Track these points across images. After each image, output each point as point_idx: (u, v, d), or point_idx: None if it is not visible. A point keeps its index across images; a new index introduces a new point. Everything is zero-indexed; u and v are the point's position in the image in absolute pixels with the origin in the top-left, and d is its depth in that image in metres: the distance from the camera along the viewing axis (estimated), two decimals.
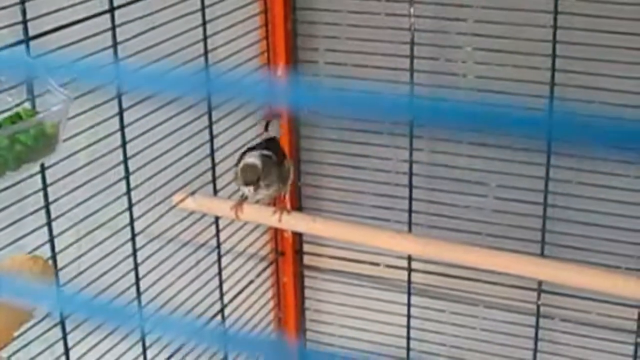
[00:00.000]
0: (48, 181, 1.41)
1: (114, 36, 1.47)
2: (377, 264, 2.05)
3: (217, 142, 1.78)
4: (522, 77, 1.78)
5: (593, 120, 0.35)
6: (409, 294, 2.02)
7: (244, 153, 1.66)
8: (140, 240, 1.61)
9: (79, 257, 1.52)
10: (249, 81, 0.42)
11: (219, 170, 1.79)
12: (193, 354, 1.82)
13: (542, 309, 1.94)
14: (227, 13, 1.78)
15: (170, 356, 1.77)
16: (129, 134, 1.54)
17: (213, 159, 1.77)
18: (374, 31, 1.87)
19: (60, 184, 1.44)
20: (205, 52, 1.69)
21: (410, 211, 1.94)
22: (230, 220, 1.81)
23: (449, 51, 1.85)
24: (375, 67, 1.87)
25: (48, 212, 1.42)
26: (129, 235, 1.59)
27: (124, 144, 1.53)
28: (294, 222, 1.75)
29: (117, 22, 1.47)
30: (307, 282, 2.15)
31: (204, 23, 1.68)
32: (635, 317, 1.86)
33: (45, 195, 1.41)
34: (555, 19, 1.71)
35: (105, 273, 1.56)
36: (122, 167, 1.54)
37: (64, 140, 1.33)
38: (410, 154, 1.90)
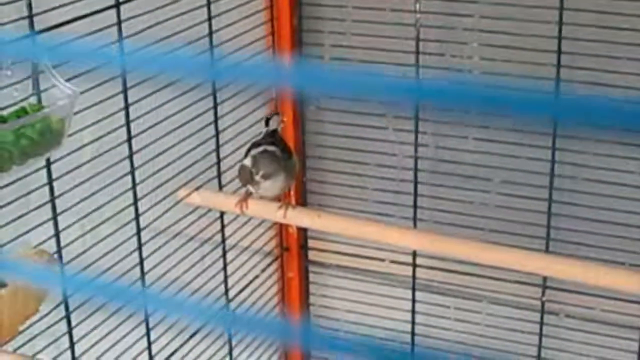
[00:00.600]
0: (54, 175, 1.41)
1: (119, 30, 1.47)
2: (381, 260, 2.05)
3: (223, 138, 1.78)
4: (528, 73, 1.78)
5: (599, 101, 0.35)
6: (414, 290, 2.02)
7: (249, 148, 1.66)
8: (145, 235, 1.61)
9: (84, 251, 1.52)
10: (255, 64, 0.42)
11: (224, 165, 1.79)
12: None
13: (546, 305, 1.94)
14: (232, 11, 1.78)
15: (174, 351, 1.77)
16: (135, 129, 1.54)
17: (218, 154, 1.77)
18: (379, 27, 1.87)
19: (65, 178, 1.44)
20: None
21: (415, 207, 1.93)
22: (235, 216, 1.81)
23: (454, 47, 1.85)
24: (381, 62, 1.87)
25: (54, 207, 1.42)
26: (135, 230, 1.59)
27: (129, 138, 1.53)
28: (298, 217, 1.75)
29: (122, 17, 1.47)
30: (312, 277, 2.15)
31: (210, 18, 1.67)
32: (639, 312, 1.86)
33: (51, 190, 1.41)
34: (560, 15, 1.70)
35: (110, 267, 1.55)
36: (127, 161, 1.54)
37: (70, 135, 1.34)
38: (415, 150, 1.90)
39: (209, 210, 1.77)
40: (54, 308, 1.47)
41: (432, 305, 2.04)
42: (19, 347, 1.38)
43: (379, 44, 1.87)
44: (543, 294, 1.93)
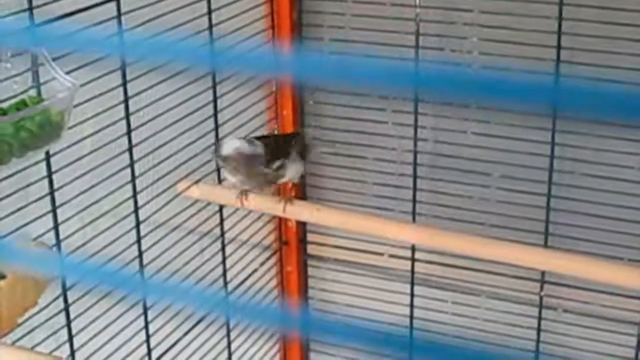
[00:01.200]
0: (53, 168, 1.41)
1: (119, 22, 1.47)
2: (380, 254, 2.05)
3: (222, 131, 1.78)
4: (527, 68, 1.78)
5: (600, 89, 0.35)
6: (412, 284, 2.02)
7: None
8: (144, 228, 1.61)
9: (84, 244, 1.52)
10: (254, 52, 0.42)
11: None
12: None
13: (545, 300, 1.94)
14: (232, 4, 1.78)
15: (174, 344, 1.78)
16: (134, 122, 1.54)
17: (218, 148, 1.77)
18: (379, 21, 1.87)
19: (65, 171, 1.44)
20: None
21: (414, 201, 1.93)
22: (234, 209, 1.82)
23: (454, 42, 1.85)
24: (380, 56, 1.87)
25: (53, 199, 1.42)
26: (134, 223, 1.59)
27: (129, 131, 1.53)
28: (298, 211, 1.75)
29: (122, 10, 1.47)
30: (311, 271, 2.15)
31: (210, 12, 1.67)
32: (639, 308, 1.86)
33: (50, 182, 1.41)
34: (560, 10, 1.71)
35: (109, 260, 1.56)
36: (127, 154, 1.54)
37: (70, 128, 1.34)
38: (415, 144, 1.90)
39: (208, 203, 1.77)
40: (53, 300, 1.47)
41: (430, 300, 2.04)
42: (17, 340, 1.38)
43: (379, 38, 1.87)
44: (541, 288, 1.93)
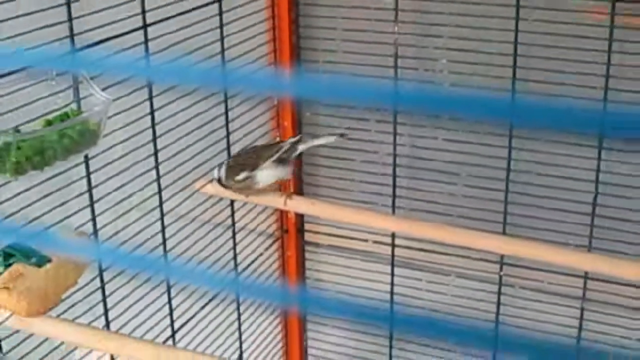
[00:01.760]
0: (91, 169, 1.41)
1: (146, 47, 1.47)
2: (366, 240, 2.05)
3: (232, 138, 1.78)
4: (488, 84, 1.78)
5: (550, 103, 0.35)
6: (393, 266, 2.02)
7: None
8: (167, 220, 1.61)
9: (116, 233, 1.52)
10: (260, 74, 0.42)
11: None
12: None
13: (504, 278, 1.94)
14: (240, 32, 1.78)
15: (192, 317, 1.78)
16: (159, 130, 1.54)
17: (229, 152, 1.77)
18: (365, 45, 1.87)
19: (100, 172, 1.44)
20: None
21: (394, 196, 1.94)
22: (243, 203, 1.82)
23: (427, 63, 1.85)
24: (365, 75, 1.87)
25: (90, 196, 1.43)
26: (158, 215, 1.59)
27: (154, 138, 1.53)
28: (296, 204, 1.75)
29: (149, 36, 1.47)
30: (308, 255, 2.15)
31: (222, 38, 1.67)
32: (581, 286, 1.87)
33: (89, 181, 1.42)
34: (515, 37, 1.71)
35: (138, 246, 1.56)
36: (152, 158, 1.54)
37: (104, 135, 1.34)
38: (394, 149, 1.90)
39: (221, 198, 1.77)
40: (91, 280, 1.47)
41: (408, 279, 2.04)
42: (61, 314, 1.38)
43: (364, 60, 1.87)
44: (501, 269, 1.93)
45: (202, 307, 1.80)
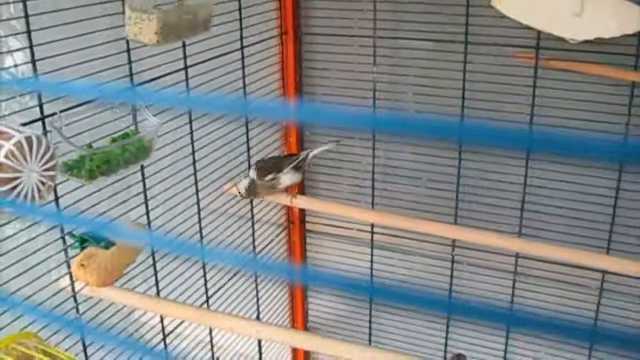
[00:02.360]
0: (145, 175, 1.41)
1: (187, 84, 1.47)
2: (351, 229, 2.05)
3: (252, 152, 1.78)
4: (444, 110, 1.79)
5: (490, 125, 0.36)
6: (372, 248, 2.02)
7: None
8: (203, 214, 1.61)
9: (164, 224, 1.52)
10: (271, 105, 0.42)
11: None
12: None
13: (455, 257, 1.94)
14: (257, 72, 1.78)
15: (221, 287, 1.77)
16: (196, 146, 1.54)
17: (249, 163, 1.77)
18: (351, 82, 1.87)
19: (152, 177, 1.44)
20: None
21: (372, 196, 1.94)
22: (259, 201, 1.81)
23: (397, 95, 1.86)
24: (351, 104, 1.88)
25: (145, 195, 1.43)
26: (196, 210, 1.59)
27: (193, 152, 1.53)
28: (300, 202, 1.75)
29: (189, 75, 1.47)
30: (308, 241, 2.15)
31: (244, 77, 1.68)
32: (513, 262, 1.87)
33: (144, 185, 1.41)
34: (464, 76, 1.71)
35: (181, 234, 1.56)
36: (191, 167, 1.54)
37: (155, 150, 1.34)
38: (373, 159, 1.91)
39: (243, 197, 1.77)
40: (145, 259, 1.47)
41: (383, 258, 2.05)
42: (123, 284, 1.38)
43: (351, 93, 1.88)
44: (453, 250, 1.94)
45: (229, 280, 1.80)
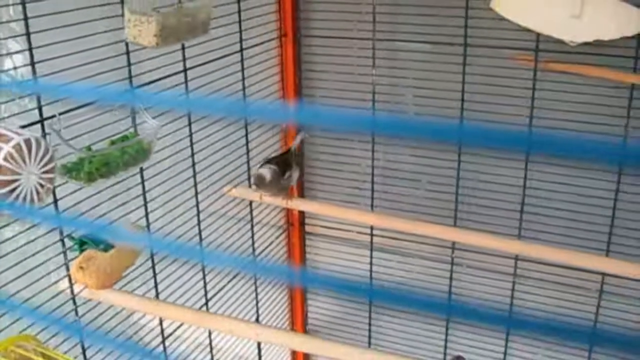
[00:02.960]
0: (145, 178, 1.41)
1: (186, 86, 1.47)
2: (351, 231, 2.05)
3: (252, 154, 1.78)
4: (442, 113, 1.79)
5: (489, 127, 0.36)
6: (371, 250, 2.02)
7: (261, 165, 1.66)
8: (202, 216, 1.61)
9: (164, 226, 1.52)
10: (271, 107, 0.42)
11: (252, 172, 1.78)
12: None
13: (455, 260, 1.94)
14: (257, 74, 1.78)
15: (221, 289, 1.77)
16: (195, 148, 1.54)
17: (249, 166, 1.77)
18: (351, 84, 1.87)
19: (152, 179, 1.44)
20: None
21: (372, 198, 1.94)
22: (259, 203, 1.81)
23: (396, 97, 1.86)
24: (350, 106, 1.88)
25: (144, 197, 1.42)
26: (196, 212, 1.59)
27: (192, 154, 1.53)
28: (298, 204, 1.75)
29: (188, 78, 1.47)
30: (307, 243, 2.15)
31: (243, 79, 1.68)
32: (513, 264, 1.87)
33: (143, 187, 1.41)
34: (463, 78, 1.71)
35: (181, 236, 1.55)
36: (191, 169, 1.54)
37: (155, 152, 1.34)
38: (372, 162, 1.90)
39: (243, 199, 1.77)
40: (144, 262, 1.47)
41: (383, 260, 2.04)
42: (122, 287, 1.38)
43: (350, 94, 1.88)
44: (453, 252, 1.94)
45: (228, 282, 1.80)
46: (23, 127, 1.11)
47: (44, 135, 1.15)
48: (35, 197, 1.02)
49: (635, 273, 1.48)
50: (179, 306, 1.36)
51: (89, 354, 1.34)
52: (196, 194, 1.57)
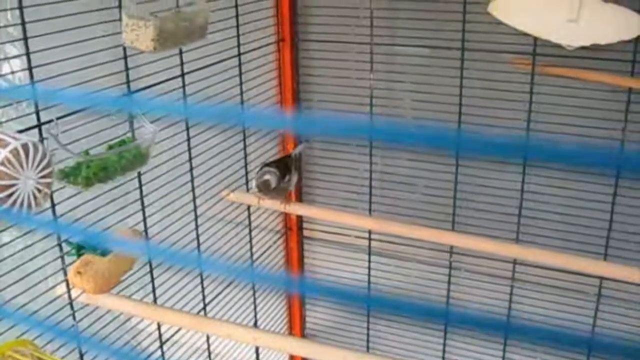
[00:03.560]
0: (142, 182, 1.41)
1: (184, 92, 1.47)
2: (349, 235, 2.05)
3: (249, 159, 1.78)
4: (439, 118, 1.79)
5: (486, 134, 0.36)
6: (369, 255, 2.02)
7: (261, 168, 1.66)
8: (200, 220, 1.61)
9: (162, 230, 1.52)
10: (268, 114, 0.42)
11: (250, 177, 1.79)
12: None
13: (453, 264, 1.94)
14: (254, 80, 1.78)
15: (217, 295, 1.77)
16: (193, 153, 1.53)
17: (246, 170, 1.77)
18: (348, 89, 1.87)
19: (150, 184, 1.43)
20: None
21: (370, 202, 1.94)
22: (257, 207, 1.81)
23: (394, 102, 1.86)
24: (348, 112, 1.88)
25: (142, 202, 1.42)
26: (193, 217, 1.59)
27: (190, 159, 1.53)
28: (296, 208, 1.75)
29: (186, 82, 1.47)
30: (306, 247, 2.15)
31: (241, 84, 1.68)
32: (511, 269, 1.87)
33: (141, 191, 1.41)
34: (461, 82, 1.71)
35: (178, 241, 1.55)
36: (188, 174, 1.54)
37: (152, 157, 1.34)
38: (370, 166, 1.90)
39: (241, 204, 1.77)
40: (142, 266, 1.46)
41: (380, 264, 2.04)
42: (119, 291, 1.37)
43: (348, 100, 1.88)
44: (451, 256, 1.93)
45: (226, 287, 1.80)
46: (20, 131, 1.11)
47: (42, 139, 1.15)
48: (33, 202, 1.02)
49: (633, 277, 1.48)
50: (176, 311, 1.36)
51: (86, 358, 1.34)
52: (194, 198, 1.56)
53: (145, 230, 1.44)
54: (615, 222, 1.70)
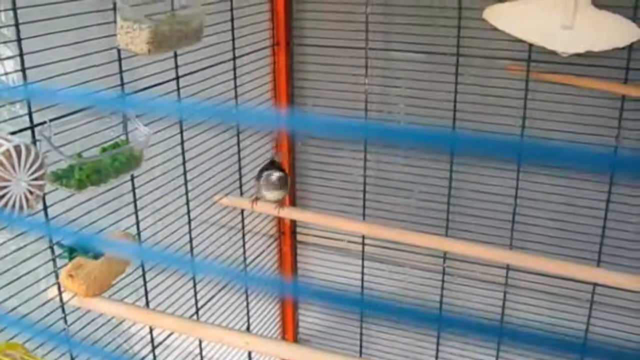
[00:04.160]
0: (135, 185, 1.40)
1: (178, 93, 1.46)
2: (342, 240, 2.04)
3: (243, 163, 1.77)
4: (434, 123, 1.79)
5: (481, 136, 0.35)
6: (363, 260, 2.01)
7: (262, 170, 1.66)
8: (193, 224, 1.60)
9: (155, 234, 1.51)
10: (262, 113, 0.42)
11: (244, 180, 1.78)
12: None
13: (446, 269, 1.94)
14: (250, 82, 1.78)
15: (210, 298, 1.76)
16: (187, 156, 1.53)
17: (240, 174, 1.76)
18: (343, 92, 1.87)
19: (143, 187, 1.43)
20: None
21: (364, 207, 1.93)
22: (250, 212, 1.81)
23: (388, 106, 1.86)
24: (342, 114, 1.88)
25: (135, 205, 1.42)
26: (187, 220, 1.58)
27: (184, 162, 1.52)
28: (290, 213, 1.75)
29: (180, 85, 1.46)
30: (299, 252, 2.14)
31: (235, 87, 1.67)
32: (504, 274, 1.87)
33: (134, 194, 1.40)
34: (455, 87, 1.72)
35: (171, 245, 1.55)
36: (182, 177, 1.53)
37: (146, 160, 1.33)
38: (364, 170, 1.90)
39: (234, 208, 1.77)
40: (135, 270, 1.46)
41: (374, 269, 2.04)
42: (111, 295, 1.37)
43: (342, 103, 1.88)
44: (444, 262, 1.93)
45: (219, 291, 1.79)
46: (13, 133, 1.10)
47: (34, 141, 1.14)
48: (25, 204, 1.01)
49: (626, 283, 1.49)
50: (169, 315, 1.35)
51: None
52: (187, 202, 1.56)
53: (139, 234, 1.44)
54: (608, 228, 1.70)
